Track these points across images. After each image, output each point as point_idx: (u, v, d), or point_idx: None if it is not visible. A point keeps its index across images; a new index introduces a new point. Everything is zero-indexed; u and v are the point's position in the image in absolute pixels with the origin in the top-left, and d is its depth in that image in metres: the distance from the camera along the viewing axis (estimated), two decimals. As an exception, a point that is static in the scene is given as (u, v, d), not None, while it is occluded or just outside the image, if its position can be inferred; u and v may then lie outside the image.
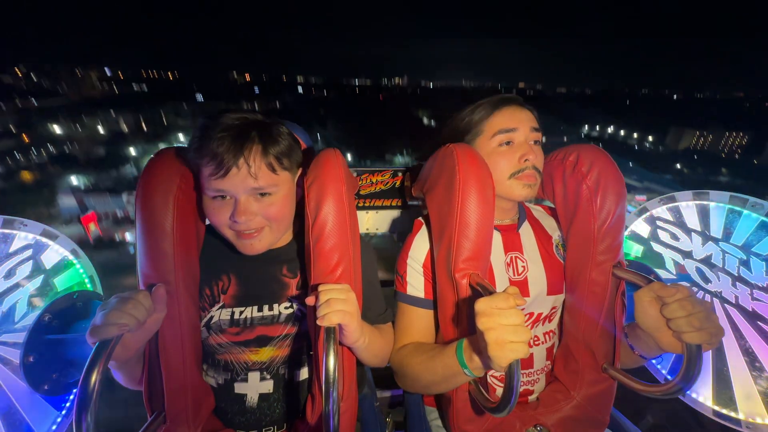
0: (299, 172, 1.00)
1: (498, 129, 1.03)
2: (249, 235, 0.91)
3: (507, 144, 1.04)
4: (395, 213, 1.61)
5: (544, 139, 1.09)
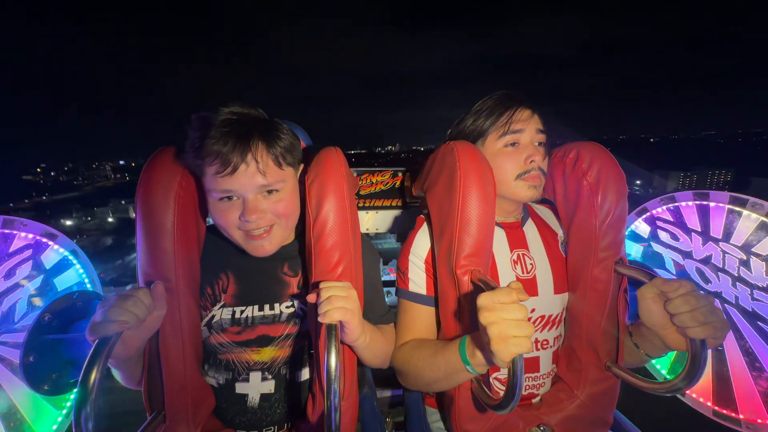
0: (301, 168, 0.99)
1: (504, 131, 1.03)
2: (259, 236, 0.90)
3: (512, 145, 1.04)
4: (395, 213, 1.61)
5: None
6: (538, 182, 1.03)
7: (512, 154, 1.03)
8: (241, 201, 0.86)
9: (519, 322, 0.68)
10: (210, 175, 0.84)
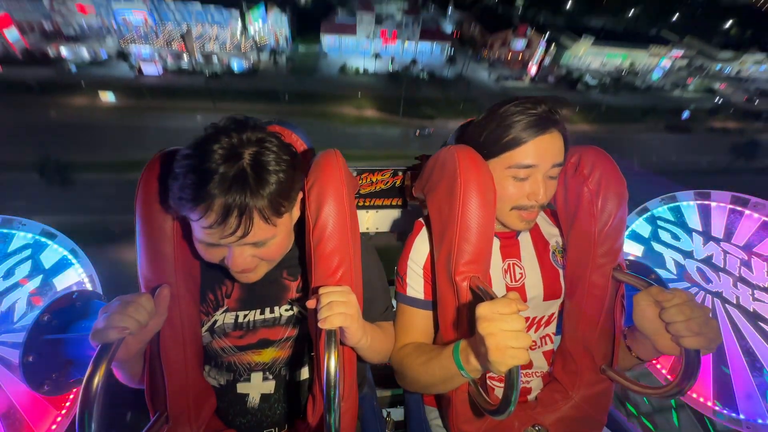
0: (300, 196, 0.91)
1: (517, 162, 0.94)
2: (242, 271, 0.86)
3: (522, 179, 0.96)
4: (395, 212, 1.60)
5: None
6: (533, 217, 1.00)
7: (518, 185, 0.97)
8: (226, 248, 0.81)
9: (517, 333, 0.68)
10: (194, 220, 0.76)
